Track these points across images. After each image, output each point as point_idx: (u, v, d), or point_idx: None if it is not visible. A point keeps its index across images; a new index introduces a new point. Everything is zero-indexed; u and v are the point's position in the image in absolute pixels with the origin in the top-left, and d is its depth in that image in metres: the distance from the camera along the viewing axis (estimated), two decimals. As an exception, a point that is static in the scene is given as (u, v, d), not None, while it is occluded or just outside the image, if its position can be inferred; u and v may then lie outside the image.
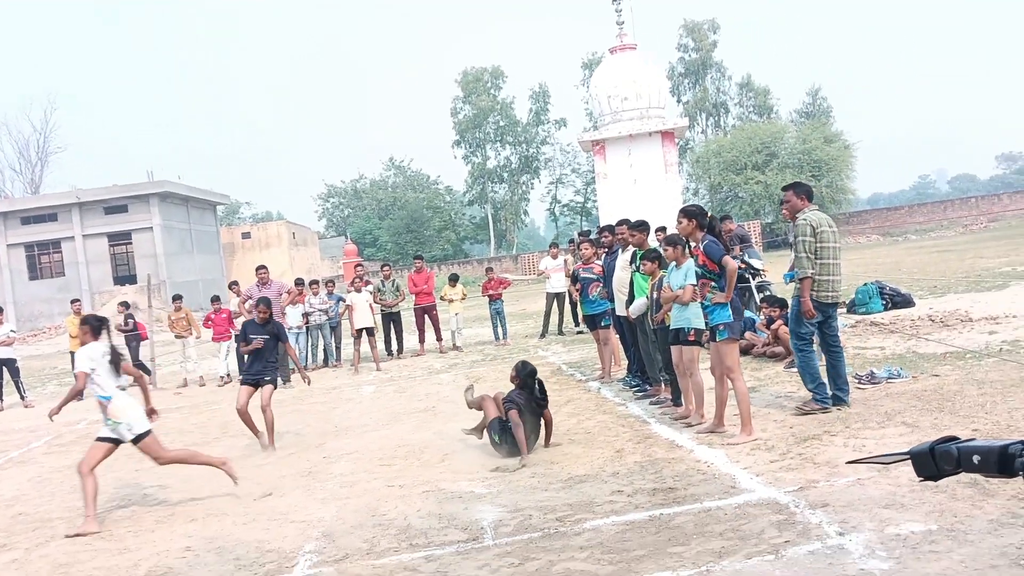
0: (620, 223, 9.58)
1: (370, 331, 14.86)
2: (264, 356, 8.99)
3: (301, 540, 5.62)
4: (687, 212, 7.41)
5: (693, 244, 7.40)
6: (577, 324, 16.37)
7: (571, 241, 18.08)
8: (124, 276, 41.94)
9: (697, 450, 6.79)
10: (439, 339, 16.12)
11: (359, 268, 16.41)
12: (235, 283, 16.92)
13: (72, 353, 15.51)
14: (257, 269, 14.87)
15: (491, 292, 16.68)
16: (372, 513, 6.04)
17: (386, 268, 17.05)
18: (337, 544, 5.45)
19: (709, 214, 7.52)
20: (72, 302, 17.54)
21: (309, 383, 9.76)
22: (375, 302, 15.39)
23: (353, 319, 14.82)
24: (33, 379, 18.41)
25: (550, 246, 18.00)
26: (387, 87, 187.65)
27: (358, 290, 15.08)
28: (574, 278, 12.31)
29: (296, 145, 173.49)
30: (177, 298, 16.18)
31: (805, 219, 7.56)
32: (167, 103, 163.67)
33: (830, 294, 7.55)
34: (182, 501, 7.05)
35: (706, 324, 7.20)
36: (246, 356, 9.33)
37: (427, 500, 6.22)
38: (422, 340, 16.31)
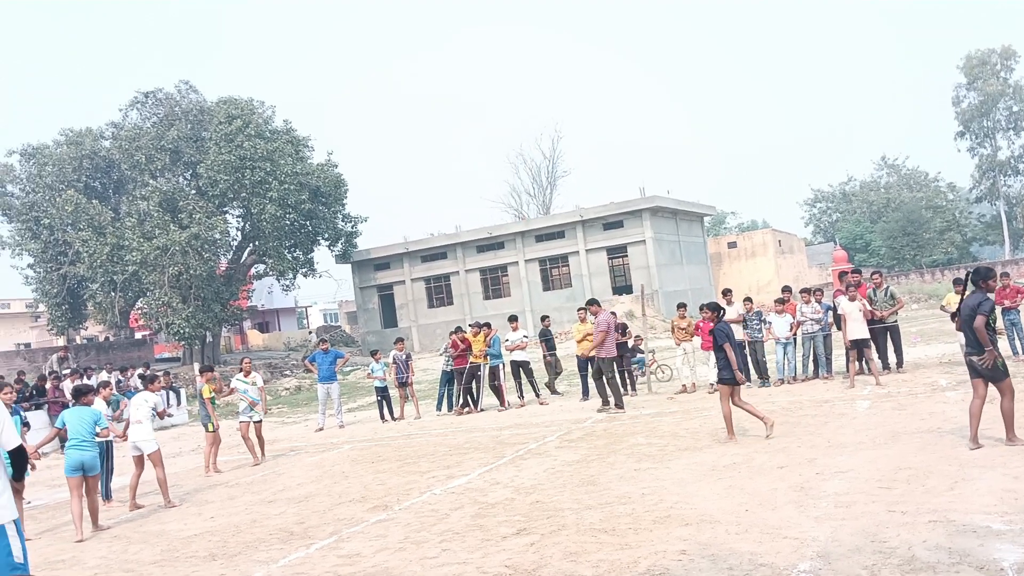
0: None
1: (866, 343, 14.04)
2: None
3: (795, 558, 5.51)
4: None
5: None
6: None
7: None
8: (621, 287, 45.17)
9: None
10: None
11: (853, 276, 15.50)
12: (728, 291, 17.04)
13: (579, 357, 17.13)
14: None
15: (1005, 301, 14.67)
16: (871, 538, 5.69)
17: (876, 276, 15.92)
18: (834, 567, 5.23)
19: None
20: (578, 310, 19.29)
21: None
22: (869, 310, 14.47)
23: (846, 330, 14.13)
24: (544, 379, 20.66)
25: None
26: (877, 80, 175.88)
27: (851, 299, 14.34)
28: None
29: (781, 151, 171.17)
30: (681, 306, 16.89)
31: None
32: (655, 119, 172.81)
33: None
34: (677, 503, 7.36)
35: None
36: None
37: (934, 531, 5.68)
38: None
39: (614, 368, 14.64)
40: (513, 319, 18.24)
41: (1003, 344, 15.14)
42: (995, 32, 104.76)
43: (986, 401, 8.25)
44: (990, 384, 8.13)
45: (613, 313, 18.47)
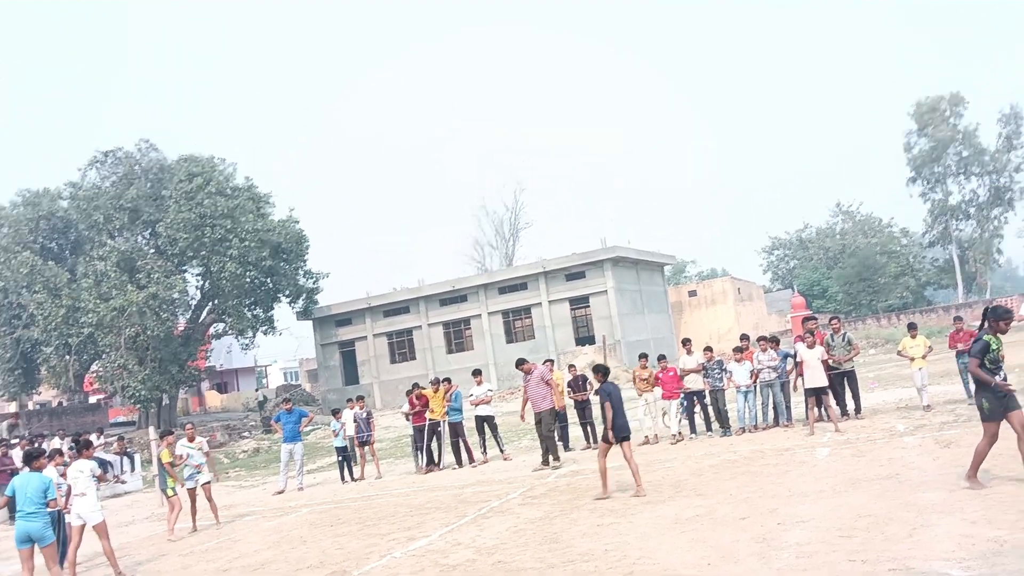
0: None
1: (823, 390, 14.14)
2: None
3: (756, 612, 5.44)
4: None
5: None
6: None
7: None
8: (584, 337, 45.24)
9: None
10: None
11: (811, 323, 15.68)
12: (688, 340, 17.10)
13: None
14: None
15: (959, 345, 14.94)
16: (832, 590, 5.66)
17: (835, 321, 16.12)
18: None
19: None
20: (545, 362, 19.17)
21: None
22: (827, 358, 14.60)
23: (805, 377, 14.22)
24: (511, 434, 20.50)
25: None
26: (829, 128, 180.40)
27: (809, 346, 14.46)
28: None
29: (739, 200, 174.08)
30: (643, 356, 16.85)
31: None
32: (615, 169, 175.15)
33: None
34: (640, 559, 7.27)
35: None
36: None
37: (895, 581, 5.66)
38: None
39: (553, 423, 14.88)
40: (477, 373, 18.08)
41: (959, 388, 15.40)
42: (945, 79, 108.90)
43: (1002, 439, 8.20)
44: (1002, 423, 8.06)
45: (571, 366, 18.48)
